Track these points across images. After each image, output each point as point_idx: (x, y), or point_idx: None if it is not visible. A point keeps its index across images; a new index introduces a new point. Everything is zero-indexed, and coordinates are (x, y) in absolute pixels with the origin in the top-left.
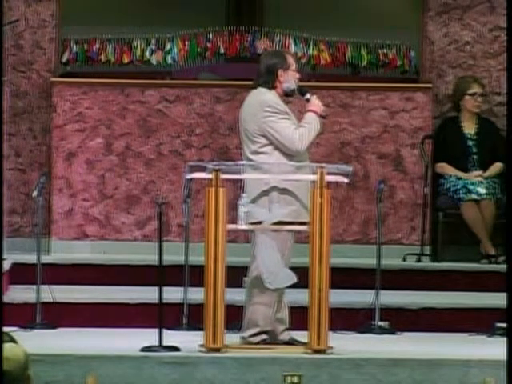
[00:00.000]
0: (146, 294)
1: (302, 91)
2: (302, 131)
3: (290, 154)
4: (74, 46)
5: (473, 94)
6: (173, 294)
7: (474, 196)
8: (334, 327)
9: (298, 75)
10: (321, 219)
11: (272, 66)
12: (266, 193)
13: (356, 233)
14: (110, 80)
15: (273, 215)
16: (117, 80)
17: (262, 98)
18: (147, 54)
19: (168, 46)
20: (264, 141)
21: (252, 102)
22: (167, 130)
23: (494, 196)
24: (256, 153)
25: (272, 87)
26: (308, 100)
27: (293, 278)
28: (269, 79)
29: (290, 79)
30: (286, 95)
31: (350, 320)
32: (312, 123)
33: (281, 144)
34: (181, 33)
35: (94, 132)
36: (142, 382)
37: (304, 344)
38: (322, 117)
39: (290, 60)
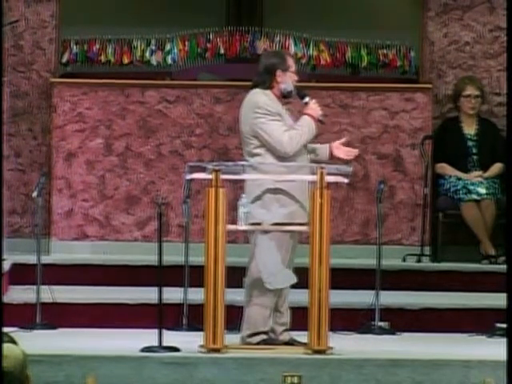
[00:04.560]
0: (146, 295)
1: (300, 94)
2: (292, 134)
3: (281, 156)
4: (74, 47)
5: (467, 96)
6: (173, 295)
7: (474, 196)
8: (334, 328)
9: (296, 77)
10: (321, 220)
11: (271, 65)
12: (260, 196)
13: (356, 233)
14: (109, 80)
15: (272, 216)
16: (117, 80)
17: (253, 99)
18: (147, 54)
19: (168, 47)
20: (257, 142)
21: (246, 104)
22: (167, 131)
23: (494, 196)
24: (251, 154)
25: (269, 87)
26: (306, 103)
27: (292, 279)
28: (266, 79)
29: (287, 81)
30: (284, 97)
31: (349, 320)
32: (305, 126)
33: (270, 145)
34: (181, 33)
35: (93, 132)
36: (142, 382)
37: (304, 344)
38: (319, 121)
39: (290, 61)
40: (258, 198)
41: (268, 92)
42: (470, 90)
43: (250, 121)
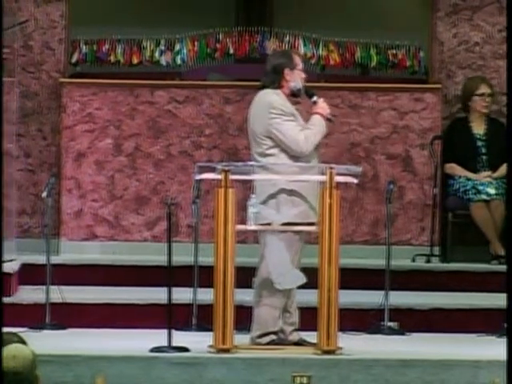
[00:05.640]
0: (156, 295)
1: (309, 93)
2: (307, 133)
3: (296, 156)
4: (84, 47)
5: (481, 95)
6: (182, 295)
7: (483, 196)
8: (343, 328)
9: (304, 75)
10: (330, 220)
11: (278, 65)
12: (274, 195)
13: (365, 233)
14: (119, 81)
15: (281, 216)
16: (126, 81)
17: (267, 99)
18: (157, 54)
19: (177, 47)
20: (270, 143)
21: (258, 104)
22: (176, 131)
23: (504, 196)
24: (263, 155)
25: (278, 87)
26: (315, 102)
27: (302, 279)
28: (275, 79)
29: (296, 79)
30: (293, 95)
31: (359, 321)
32: (317, 125)
33: (285, 146)
34: (190, 33)
35: (103, 133)
36: (151, 382)
37: (313, 345)
38: (328, 120)
39: (297, 60)
40: (272, 196)
41: (278, 92)
42: (484, 89)
43: (264, 121)
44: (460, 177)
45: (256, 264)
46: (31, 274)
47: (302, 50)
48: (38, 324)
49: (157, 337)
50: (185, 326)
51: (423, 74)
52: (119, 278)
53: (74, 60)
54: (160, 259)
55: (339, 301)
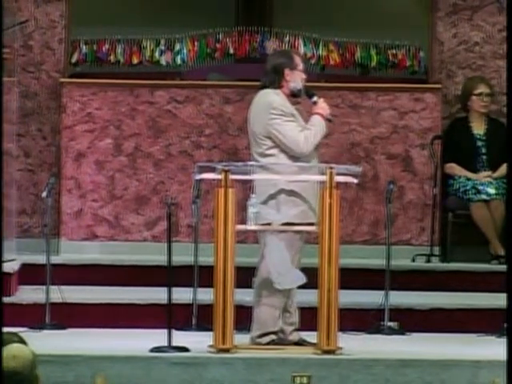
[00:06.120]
0: (156, 295)
1: (308, 93)
2: (306, 134)
3: (295, 156)
4: (84, 47)
5: (479, 94)
6: (182, 295)
7: (483, 196)
8: (343, 328)
9: (304, 75)
10: (330, 220)
11: (278, 65)
12: (274, 195)
13: (365, 233)
14: (119, 81)
15: (281, 216)
16: (126, 81)
17: (267, 99)
18: (157, 54)
19: (177, 47)
20: (270, 143)
21: (258, 104)
22: (176, 131)
23: (504, 196)
24: (263, 155)
25: (278, 87)
26: (315, 103)
27: (302, 279)
28: (275, 79)
29: (296, 79)
30: (293, 95)
31: (359, 321)
32: (317, 126)
33: (285, 146)
34: (190, 33)
35: (103, 133)
36: (151, 382)
37: (313, 345)
38: (328, 120)
39: (297, 60)
40: (272, 196)
41: (278, 92)
42: (482, 89)
43: (264, 121)
44: (460, 177)
45: (256, 264)
46: (31, 274)
47: (301, 49)
48: (38, 324)
49: (157, 337)
50: (185, 326)
51: (423, 74)
52: (119, 278)
53: (73, 60)
54: (160, 259)
55: (339, 301)
